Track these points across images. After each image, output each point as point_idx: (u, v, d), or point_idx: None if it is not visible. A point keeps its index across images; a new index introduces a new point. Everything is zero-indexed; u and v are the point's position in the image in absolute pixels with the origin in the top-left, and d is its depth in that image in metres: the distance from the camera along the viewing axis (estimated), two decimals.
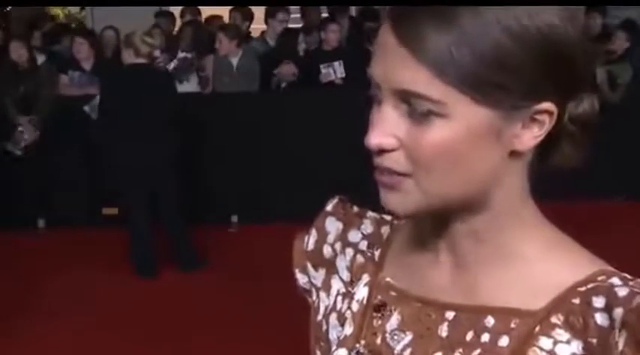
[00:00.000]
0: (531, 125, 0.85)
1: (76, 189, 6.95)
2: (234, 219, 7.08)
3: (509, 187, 0.89)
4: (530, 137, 0.86)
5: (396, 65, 0.83)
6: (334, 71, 7.16)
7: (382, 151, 0.86)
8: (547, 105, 0.85)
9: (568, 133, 0.89)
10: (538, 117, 0.85)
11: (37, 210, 7.03)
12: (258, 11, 8.56)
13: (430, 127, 0.83)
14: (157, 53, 6.69)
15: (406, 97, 0.84)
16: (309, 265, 1.08)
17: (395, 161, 0.86)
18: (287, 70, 7.17)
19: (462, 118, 0.83)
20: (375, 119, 0.86)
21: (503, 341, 0.88)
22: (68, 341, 4.76)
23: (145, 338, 4.79)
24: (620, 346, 0.82)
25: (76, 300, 5.45)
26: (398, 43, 0.83)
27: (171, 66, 7.23)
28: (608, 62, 7.18)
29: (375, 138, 0.85)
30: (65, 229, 6.76)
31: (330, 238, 1.06)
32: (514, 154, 0.87)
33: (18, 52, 6.97)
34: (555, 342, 0.86)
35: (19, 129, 6.72)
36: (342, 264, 1.05)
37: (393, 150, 0.86)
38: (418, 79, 0.82)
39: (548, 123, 0.86)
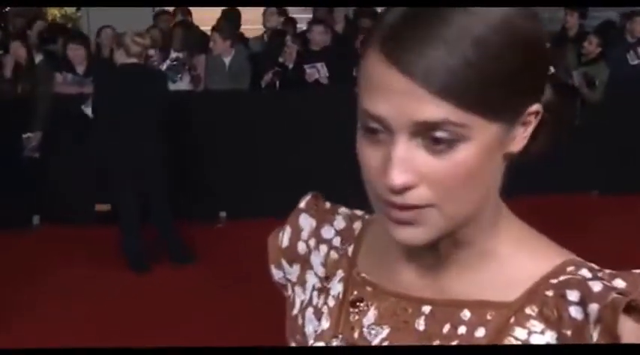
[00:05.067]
0: (520, 127, 0.87)
1: (70, 187, 6.98)
2: (223, 214, 7.17)
3: (496, 190, 0.92)
4: (520, 138, 0.88)
5: (412, 102, 0.81)
6: (318, 71, 7.24)
7: (405, 189, 0.84)
8: (536, 107, 0.88)
9: (543, 123, 0.90)
10: (526, 118, 0.87)
11: (32, 207, 7.07)
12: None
13: (455, 153, 0.82)
14: (151, 52, 6.75)
15: (427, 128, 0.82)
16: (283, 261, 1.08)
17: (418, 197, 0.84)
18: (270, 79, 7.30)
19: (481, 137, 0.83)
20: (390, 157, 0.83)
21: (480, 332, 0.90)
22: (63, 335, 4.80)
23: (137, 330, 4.87)
24: (595, 338, 0.85)
25: (70, 294, 5.52)
26: (409, 81, 0.81)
27: (164, 65, 7.32)
28: (583, 63, 7.31)
29: (400, 178, 0.82)
30: (59, 225, 6.80)
31: (304, 235, 1.06)
32: (506, 156, 0.89)
33: (17, 51, 7.11)
34: (530, 333, 0.88)
35: (25, 135, 6.82)
36: (316, 260, 1.05)
37: (416, 185, 0.84)
38: (441, 111, 0.81)
39: (534, 122, 0.88)
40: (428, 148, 0.83)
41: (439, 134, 0.82)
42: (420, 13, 0.82)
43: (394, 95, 0.81)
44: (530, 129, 0.88)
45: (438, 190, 0.84)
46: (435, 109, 0.80)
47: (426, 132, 0.82)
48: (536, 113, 0.88)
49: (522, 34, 0.84)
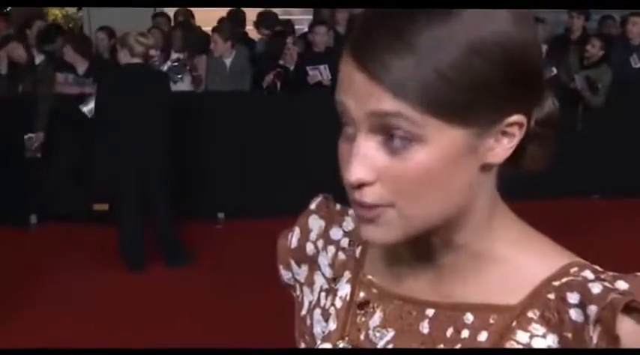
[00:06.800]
0: (502, 138, 0.85)
1: (68, 186, 6.99)
2: (221, 215, 7.20)
3: (483, 197, 0.90)
4: (502, 150, 0.86)
5: (370, 98, 0.82)
6: (320, 74, 7.25)
7: (361, 185, 0.84)
8: (516, 117, 0.85)
9: (535, 136, 0.89)
10: (508, 129, 0.85)
11: (30, 206, 7.08)
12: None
13: (409, 153, 0.82)
14: (152, 52, 6.75)
15: (383, 122, 0.82)
16: (292, 262, 1.09)
17: (376, 195, 0.84)
18: (271, 79, 7.29)
19: (439, 141, 0.82)
20: (352, 152, 0.84)
21: (482, 336, 0.90)
22: (58, 335, 4.81)
23: (133, 330, 4.88)
24: (595, 340, 0.85)
25: (67, 294, 5.54)
26: (368, 79, 0.82)
27: (165, 66, 7.33)
28: (585, 67, 7.27)
29: (356, 174, 0.83)
30: (57, 225, 6.83)
31: (313, 236, 1.07)
32: (487, 166, 0.87)
33: (16, 52, 7.11)
34: (532, 336, 0.88)
35: (26, 136, 6.81)
36: (324, 261, 1.06)
37: (372, 183, 0.84)
38: (395, 105, 0.81)
39: (518, 134, 0.86)
40: (386, 147, 0.83)
41: (395, 132, 0.82)
42: (391, 17, 0.82)
43: (357, 90, 0.83)
44: (515, 140, 0.86)
45: (392, 190, 0.84)
46: (389, 102, 0.81)
47: (384, 130, 0.82)
48: (519, 124, 0.86)
49: (501, 47, 0.82)
